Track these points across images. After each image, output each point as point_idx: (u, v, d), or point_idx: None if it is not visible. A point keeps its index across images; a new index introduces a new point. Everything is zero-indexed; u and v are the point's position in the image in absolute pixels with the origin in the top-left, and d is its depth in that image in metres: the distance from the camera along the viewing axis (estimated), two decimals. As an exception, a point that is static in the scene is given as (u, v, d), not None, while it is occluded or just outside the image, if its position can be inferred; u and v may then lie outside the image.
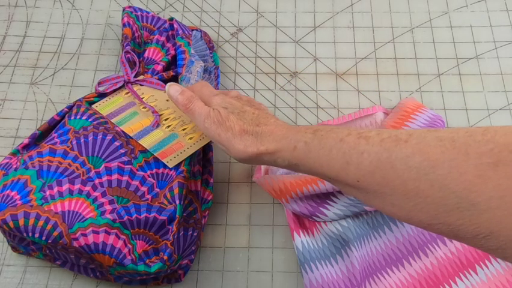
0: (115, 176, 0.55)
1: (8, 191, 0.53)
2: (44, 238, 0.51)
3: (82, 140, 0.57)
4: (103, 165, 0.55)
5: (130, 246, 0.52)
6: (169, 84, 0.54)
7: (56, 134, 0.58)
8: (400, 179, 0.36)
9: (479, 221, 0.32)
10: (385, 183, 0.37)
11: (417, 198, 0.35)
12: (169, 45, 0.67)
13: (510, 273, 0.53)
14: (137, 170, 0.56)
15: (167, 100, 0.62)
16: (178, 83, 0.62)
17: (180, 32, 0.67)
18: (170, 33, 0.67)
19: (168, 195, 0.55)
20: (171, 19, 0.68)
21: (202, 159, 0.60)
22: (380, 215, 0.57)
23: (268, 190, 0.58)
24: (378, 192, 0.38)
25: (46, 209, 0.52)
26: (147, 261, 0.52)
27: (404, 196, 0.36)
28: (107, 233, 0.51)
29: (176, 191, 0.54)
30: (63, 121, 0.60)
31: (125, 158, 0.56)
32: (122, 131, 0.59)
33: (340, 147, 0.41)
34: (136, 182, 0.55)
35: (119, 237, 0.52)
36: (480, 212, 0.32)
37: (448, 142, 0.35)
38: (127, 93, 0.63)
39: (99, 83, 0.63)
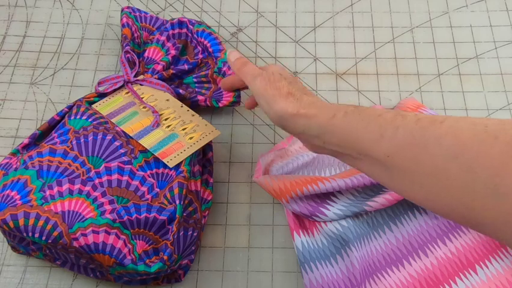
0: (115, 176, 0.55)
1: (8, 191, 0.53)
2: (44, 238, 0.51)
3: (82, 140, 0.57)
4: (103, 165, 0.55)
5: (130, 246, 0.52)
6: (229, 50, 0.56)
7: (56, 134, 0.58)
8: (431, 158, 0.36)
9: (502, 208, 0.32)
10: (416, 161, 0.37)
11: (445, 180, 0.35)
12: (169, 44, 0.67)
13: (510, 273, 0.53)
14: (137, 170, 0.56)
15: (168, 100, 0.62)
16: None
17: (194, 21, 0.67)
18: (170, 32, 0.67)
19: (168, 195, 0.55)
20: (173, 19, 0.68)
21: (202, 159, 0.60)
22: (380, 215, 0.57)
23: (268, 190, 0.58)
24: (408, 171, 0.38)
25: (46, 209, 0.52)
26: (147, 261, 0.52)
27: (434, 177, 0.36)
28: (107, 233, 0.51)
29: (176, 191, 0.54)
30: (63, 121, 0.59)
31: (125, 158, 0.56)
32: (122, 131, 0.59)
33: (377, 121, 0.41)
34: (136, 182, 0.55)
35: (119, 237, 0.52)
36: (503, 197, 0.32)
37: (480, 126, 0.35)
38: (127, 93, 0.63)
39: (99, 83, 0.63)
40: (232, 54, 0.56)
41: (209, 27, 0.68)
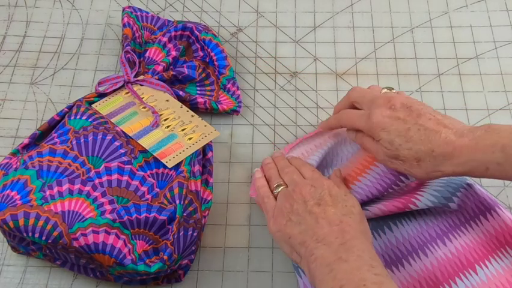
0: (115, 176, 0.55)
1: (8, 191, 0.53)
2: (44, 238, 0.51)
3: (82, 140, 0.57)
4: (103, 165, 0.55)
5: (130, 246, 0.52)
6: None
7: (56, 134, 0.58)
8: None
9: None
10: None
11: None
12: (170, 45, 0.67)
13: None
14: (137, 170, 0.56)
15: (167, 100, 0.62)
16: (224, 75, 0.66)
17: (200, 27, 0.67)
18: (173, 34, 0.67)
19: (168, 195, 0.55)
20: (179, 22, 0.68)
21: (202, 159, 0.60)
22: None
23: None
24: None
25: (46, 209, 0.52)
26: (147, 261, 0.52)
27: None
28: (107, 233, 0.51)
29: (176, 191, 0.54)
30: (63, 121, 0.60)
31: (125, 158, 0.56)
32: (122, 131, 0.59)
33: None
34: (136, 182, 0.55)
35: (119, 237, 0.52)
36: None
37: None
38: (127, 93, 0.63)
39: (99, 83, 0.63)
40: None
41: (216, 37, 0.68)
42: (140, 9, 0.69)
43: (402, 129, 0.50)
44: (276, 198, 0.54)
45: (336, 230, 0.47)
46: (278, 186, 0.54)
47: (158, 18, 0.70)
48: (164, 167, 0.57)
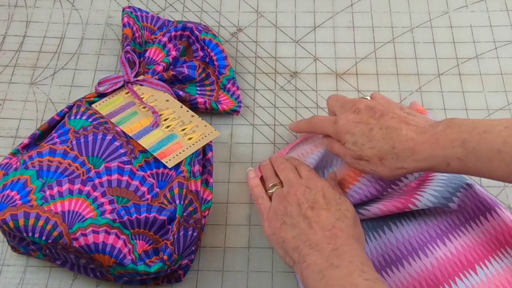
0: (115, 176, 0.55)
1: (8, 191, 0.53)
2: (44, 238, 0.51)
3: (82, 140, 0.57)
4: (102, 165, 0.55)
5: (130, 246, 0.52)
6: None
7: (56, 134, 0.58)
8: None
9: None
10: None
11: None
12: (170, 45, 0.67)
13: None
14: (137, 170, 0.56)
15: (167, 100, 0.62)
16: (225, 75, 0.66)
17: (200, 27, 0.67)
18: (173, 34, 0.67)
19: (168, 195, 0.55)
20: (179, 22, 0.68)
21: (202, 159, 0.60)
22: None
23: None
24: None
25: (46, 209, 0.52)
26: (147, 261, 0.52)
27: None
28: (107, 233, 0.51)
29: (176, 190, 0.54)
30: (63, 121, 0.60)
31: (125, 158, 0.56)
32: (122, 131, 0.59)
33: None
34: (136, 182, 0.55)
35: (119, 237, 0.52)
36: None
37: None
38: (127, 93, 0.63)
39: (99, 83, 0.63)
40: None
41: (216, 37, 0.68)
42: (140, 9, 0.69)
43: (366, 129, 0.51)
44: (270, 199, 0.54)
45: (328, 236, 0.47)
46: (273, 186, 0.54)
47: (158, 18, 0.70)
48: (164, 167, 0.57)
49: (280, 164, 0.56)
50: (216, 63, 0.66)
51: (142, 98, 0.62)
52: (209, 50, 0.66)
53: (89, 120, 0.59)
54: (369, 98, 0.56)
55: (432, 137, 0.47)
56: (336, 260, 0.44)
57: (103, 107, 0.61)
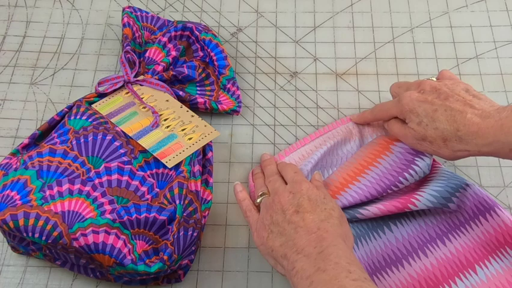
0: (114, 176, 0.55)
1: (8, 191, 0.53)
2: (44, 238, 0.51)
3: (82, 140, 0.57)
4: (102, 165, 0.55)
5: (130, 246, 0.52)
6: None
7: (56, 134, 0.58)
8: None
9: None
10: None
11: None
12: (170, 45, 0.67)
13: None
14: (137, 170, 0.56)
15: (167, 100, 0.62)
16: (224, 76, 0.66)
17: (200, 28, 0.67)
18: (173, 34, 0.67)
19: (168, 195, 0.55)
20: (179, 22, 0.68)
21: (202, 159, 0.60)
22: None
23: None
24: None
25: (46, 209, 0.52)
26: (147, 261, 0.52)
27: None
28: (107, 233, 0.51)
29: (176, 191, 0.54)
30: (63, 121, 0.60)
31: (125, 158, 0.56)
32: (122, 131, 0.59)
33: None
34: (136, 182, 0.55)
35: (119, 237, 0.52)
36: None
37: None
38: (127, 93, 0.63)
39: (99, 83, 0.63)
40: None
41: (216, 37, 0.68)
42: (140, 9, 0.69)
43: (430, 110, 0.52)
44: (259, 209, 0.54)
45: (314, 239, 0.47)
46: (262, 194, 0.54)
47: (158, 18, 0.70)
48: (164, 167, 0.57)
49: (269, 176, 0.56)
50: (215, 63, 0.66)
51: (142, 98, 0.62)
52: (209, 50, 0.66)
53: (89, 120, 0.59)
54: (434, 79, 0.56)
55: (497, 122, 0.48)
56: (322, 263, 0.44)
57: (103, 107, 0.61)
